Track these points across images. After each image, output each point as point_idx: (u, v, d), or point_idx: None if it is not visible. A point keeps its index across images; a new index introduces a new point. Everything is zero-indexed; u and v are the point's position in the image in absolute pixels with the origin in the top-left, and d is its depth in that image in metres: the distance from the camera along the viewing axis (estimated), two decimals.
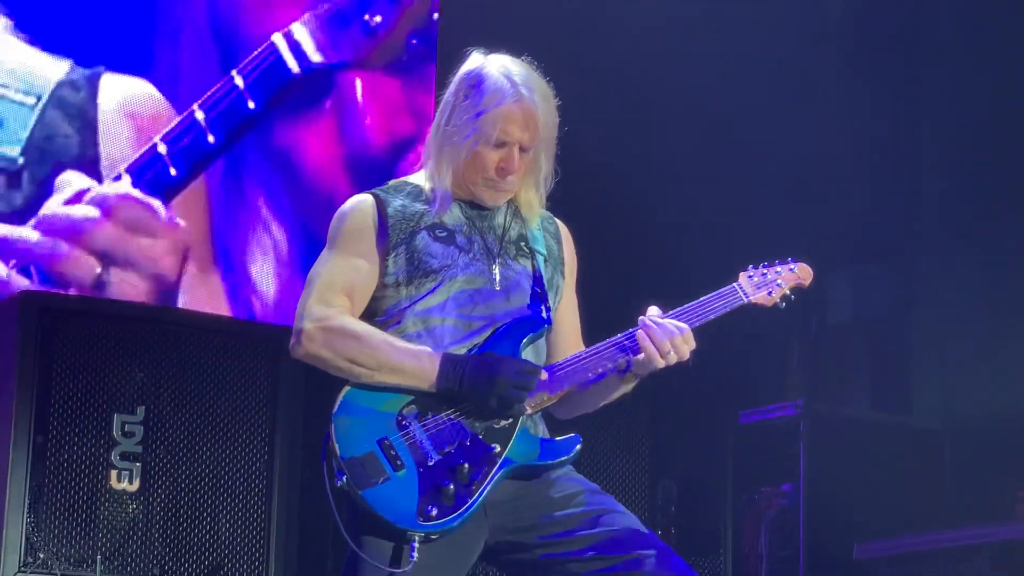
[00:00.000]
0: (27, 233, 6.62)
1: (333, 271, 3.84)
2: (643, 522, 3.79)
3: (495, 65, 3.86)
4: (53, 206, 6.67)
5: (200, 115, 6.98)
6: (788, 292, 3.96)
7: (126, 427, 5.43)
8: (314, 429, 5.48)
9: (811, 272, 4.00)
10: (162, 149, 6.89)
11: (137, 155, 6.87)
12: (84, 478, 5.37)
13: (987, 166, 7.34)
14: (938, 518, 6.65)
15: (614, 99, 7.32)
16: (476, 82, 3.83)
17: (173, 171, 6.89)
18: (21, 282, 6.53)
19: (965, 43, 7.49)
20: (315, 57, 7.30)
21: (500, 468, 3.68)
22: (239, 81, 7.10)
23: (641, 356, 3.75)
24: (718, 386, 6.28)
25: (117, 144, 6.85)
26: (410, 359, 3.72)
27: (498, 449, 3.69)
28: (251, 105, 7.09)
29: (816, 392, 7.37)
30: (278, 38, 7.22)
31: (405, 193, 3.91)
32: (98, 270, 6.66)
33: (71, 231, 6.69)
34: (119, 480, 5.39)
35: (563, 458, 3.77)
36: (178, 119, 6.94)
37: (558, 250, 4.02)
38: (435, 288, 3.80)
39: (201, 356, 5.62)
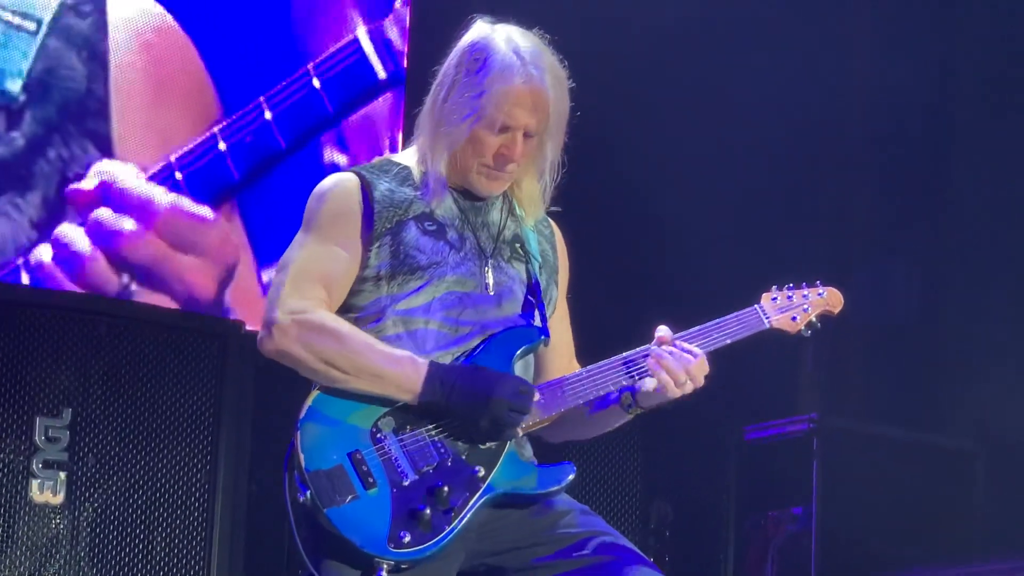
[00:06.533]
0: (71, 232, 6.67)
1: (310, 258, 3.89)
2: (635, 547, 3.89)
3: (502, 37, 3.91)
4: (102, 213, 6.63)
5: (268, 113, 6.93)
6: (814, 320, 4.12)
7: (50, 432, 5.58)
8: (264, 435, 5.76)
9: (841, 298, 4.16)
10: (222, 146, 6.87)
11: (192, 145, 6.85)
12: (1, 489, 5.50)
13: None
14: (970, 549, 6.86)
15: (620, 90, 7.48)
16: (481, 56, 3.89)
17: (234, 172, 6.91)
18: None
19: (999, 24, 7.76)
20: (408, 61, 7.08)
21: (483, 495, 3.78)
22: (316, 81, 6.99)
23: (650, 386, 3.90)
24: (720, 397, 6.23)
25: (129, 79, 6.81)
26: (392, 365, 3.78)
27: (482, 472, 3.79)
28: (328, 107, 7.01)
29: (832, 405, 7.58)
30: (362, 35, 7.14)
31: (392, 175, 3.96)
32: (124, 281, 6.72)
33: (111, 240, 6.70)
34: (41, 491, 5.56)
35: (552, 488, 3.86)
36: (242, 112, 6.90)
37: (553, 257, 4.10)
38: (421, 287, 3.88)
39: (136, 352, 5.73)
